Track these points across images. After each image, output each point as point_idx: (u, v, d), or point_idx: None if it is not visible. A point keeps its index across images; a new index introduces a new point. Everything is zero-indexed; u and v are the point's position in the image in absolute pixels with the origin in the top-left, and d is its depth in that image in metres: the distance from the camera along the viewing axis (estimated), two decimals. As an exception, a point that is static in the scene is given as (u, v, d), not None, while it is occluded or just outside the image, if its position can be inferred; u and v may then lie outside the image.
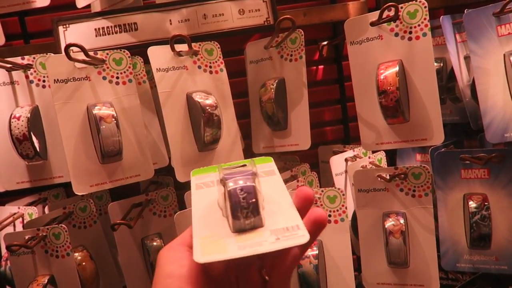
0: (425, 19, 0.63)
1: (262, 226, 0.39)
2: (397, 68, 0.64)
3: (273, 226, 0.38)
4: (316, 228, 0.38)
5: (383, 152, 0.82)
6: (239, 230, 0.37)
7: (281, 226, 0.37)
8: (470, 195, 0.71)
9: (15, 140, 0.66)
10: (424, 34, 0.63)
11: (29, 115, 0.67)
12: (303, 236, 0.35)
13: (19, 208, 0.76)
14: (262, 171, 0.46)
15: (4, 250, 0.70)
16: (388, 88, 0.64)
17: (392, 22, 0.65)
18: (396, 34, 0.65)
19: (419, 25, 0.63)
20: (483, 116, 0.67)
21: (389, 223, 0.69)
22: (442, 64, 0.82)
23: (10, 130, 0.67)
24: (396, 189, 0.69)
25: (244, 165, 0.47)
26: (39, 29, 0.89)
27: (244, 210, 0.37)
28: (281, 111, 0.76)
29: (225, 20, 0.75)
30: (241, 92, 0.85)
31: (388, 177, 0.69)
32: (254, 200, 0.38)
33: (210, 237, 0.37)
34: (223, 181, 0.40)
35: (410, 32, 0.64)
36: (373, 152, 0.82)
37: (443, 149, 0.74)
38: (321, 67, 0.96)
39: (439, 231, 0.73)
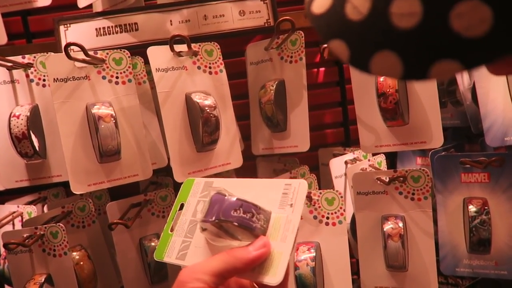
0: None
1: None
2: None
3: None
4: None
5: (383, 155, 0.82)
6: None
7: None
8: (470, 199, 0.71)
9: (15, 139, 0.67)
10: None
11: (28, 114, 0.67)
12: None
13: (18, 206, 0.77)
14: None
15: (2, 249, 0.70)
16: (388, 90, 0.64)
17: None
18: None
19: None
20: (483, 119, 0.67)
21: (387, 226, 0.68)
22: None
23: (10, 128, 0.67)
24: (395, 192, 0.69)
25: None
26: (41, 28, 0.89)
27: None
28: (281, 112, 0.75)
29: (226, 21, 0.75)
30: (241, 94, 0.85)
31: (387, 180, 0.68)
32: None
33: None
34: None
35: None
36: (374, 155, 0.82)
37: (443, 153, 0.74)
38: (322, 69, 0.96)
39: (438, 235, 0.73)
